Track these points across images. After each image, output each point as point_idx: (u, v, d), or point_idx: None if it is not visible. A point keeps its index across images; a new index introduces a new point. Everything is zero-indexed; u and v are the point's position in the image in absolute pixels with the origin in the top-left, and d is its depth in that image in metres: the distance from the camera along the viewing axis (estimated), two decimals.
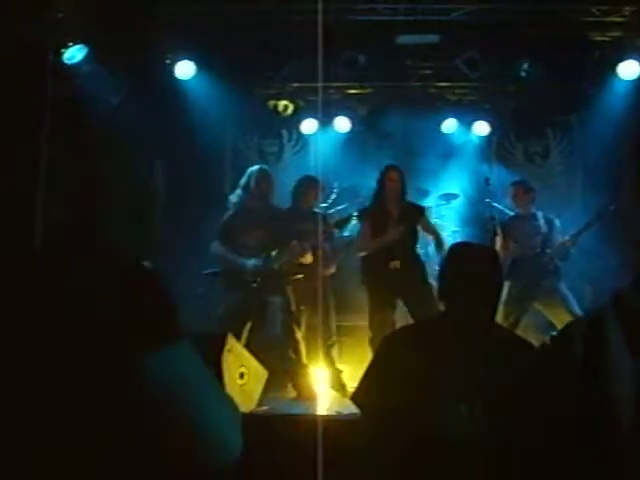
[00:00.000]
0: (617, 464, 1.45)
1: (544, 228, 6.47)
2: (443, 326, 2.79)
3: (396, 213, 5.83)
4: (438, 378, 2.60)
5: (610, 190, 7.41)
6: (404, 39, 7.27)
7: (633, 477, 1.43)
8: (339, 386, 5.89)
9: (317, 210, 6.52)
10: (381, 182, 5.93)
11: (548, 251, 6.36)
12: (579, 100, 7.84)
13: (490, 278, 2.75)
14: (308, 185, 6.41)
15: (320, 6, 5.66)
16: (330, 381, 5.93)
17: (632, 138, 7.22)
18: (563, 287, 6.35)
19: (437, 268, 5.61)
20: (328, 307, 6.26)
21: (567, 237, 6.30)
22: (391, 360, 2.79)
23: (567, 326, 1.75)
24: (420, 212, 6.00)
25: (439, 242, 5.92)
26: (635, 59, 7.19)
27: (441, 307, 2.91)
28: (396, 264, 5.65)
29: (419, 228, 6.03)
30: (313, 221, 6.31)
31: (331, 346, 6.21)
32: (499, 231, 6.30)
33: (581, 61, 7.37)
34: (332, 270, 6.35)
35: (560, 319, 6.12)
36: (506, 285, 6.31)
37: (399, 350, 2.79)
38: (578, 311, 6.16)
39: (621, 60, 7.24)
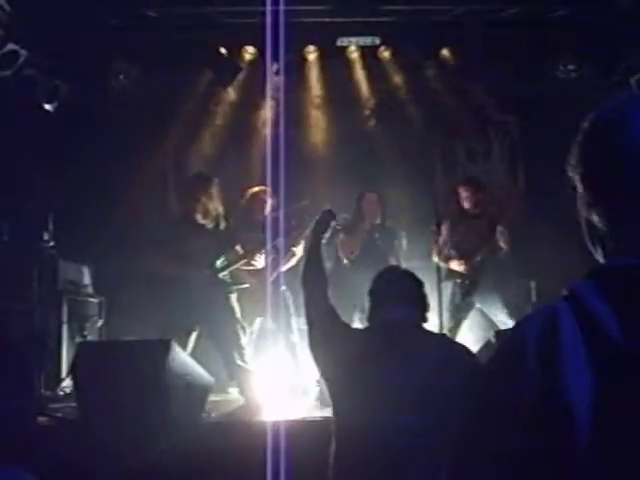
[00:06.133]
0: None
1: (485, 229, 6.48)
2: (374, 332, 2.90)
3: None
4: (374, 387, 2.62)
5: (551, 189, 7.53)
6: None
7: None
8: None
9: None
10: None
11: (481, 254, 6.37)
12: (519, 100, 7.95)
13: (413, 290, 2.97)
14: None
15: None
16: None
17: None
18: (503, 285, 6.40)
19: None
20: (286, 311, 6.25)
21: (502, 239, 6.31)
22: None
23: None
24: None
25: None
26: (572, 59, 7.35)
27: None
28: None
29: None
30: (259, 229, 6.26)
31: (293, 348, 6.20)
32: (443, 229, 6.35)
33: (522, 61, 7.48)
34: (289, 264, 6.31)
35: (501, 317, 6.20)
36: (448, 286, 6.36)
37: None
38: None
39: (562, 60, 7.39)
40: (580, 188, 1.09)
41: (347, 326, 3.08)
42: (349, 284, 6.29)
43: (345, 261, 6.65)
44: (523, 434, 0.90)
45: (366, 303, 3.03)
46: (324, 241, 3.50)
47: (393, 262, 6.29)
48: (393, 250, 6.69)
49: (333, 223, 3.61)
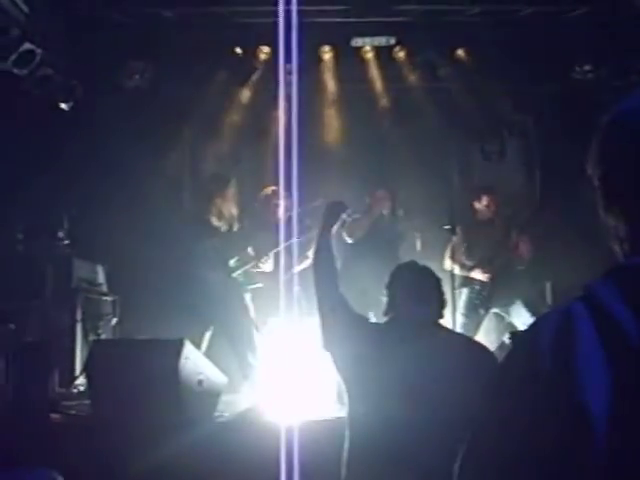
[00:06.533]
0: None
1: (499, 233, 6.44)
2: (391, 329, 2.85)
3: None
4: (387, 381, 2.60)
5: (568, 190, 7.48)
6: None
7: None
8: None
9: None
10: None
11: (499, 258, 6.33)
12: (535, 100, 7.91)
13: (431, 286, 2.95)
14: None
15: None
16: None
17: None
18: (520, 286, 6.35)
19: None
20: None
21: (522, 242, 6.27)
22: None
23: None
24: None
25: None
26: (588, 59, 7.30)
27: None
28: None
29: None
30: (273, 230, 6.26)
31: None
32: (458, 230, 6.30)
33: (538, 61, 7.44)
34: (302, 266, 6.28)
35: (520, 320, 6.15)
36: (464, 292, 6.32)
37: None
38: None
39: (578, 61, 7.35)
40: (598, 188, 1.08)
41: (361, 319, 3.03)
42: (355, 272, 6.26)
43: (349, 240, 6.61)
44: (538, 433, 0.89)
45: (383, 298, 2.99)
46: (335, 228, 3.41)
47: (402, 255, 6.28)
48: (401, 244, 6.68)
49: (344, 216, 3.57)
